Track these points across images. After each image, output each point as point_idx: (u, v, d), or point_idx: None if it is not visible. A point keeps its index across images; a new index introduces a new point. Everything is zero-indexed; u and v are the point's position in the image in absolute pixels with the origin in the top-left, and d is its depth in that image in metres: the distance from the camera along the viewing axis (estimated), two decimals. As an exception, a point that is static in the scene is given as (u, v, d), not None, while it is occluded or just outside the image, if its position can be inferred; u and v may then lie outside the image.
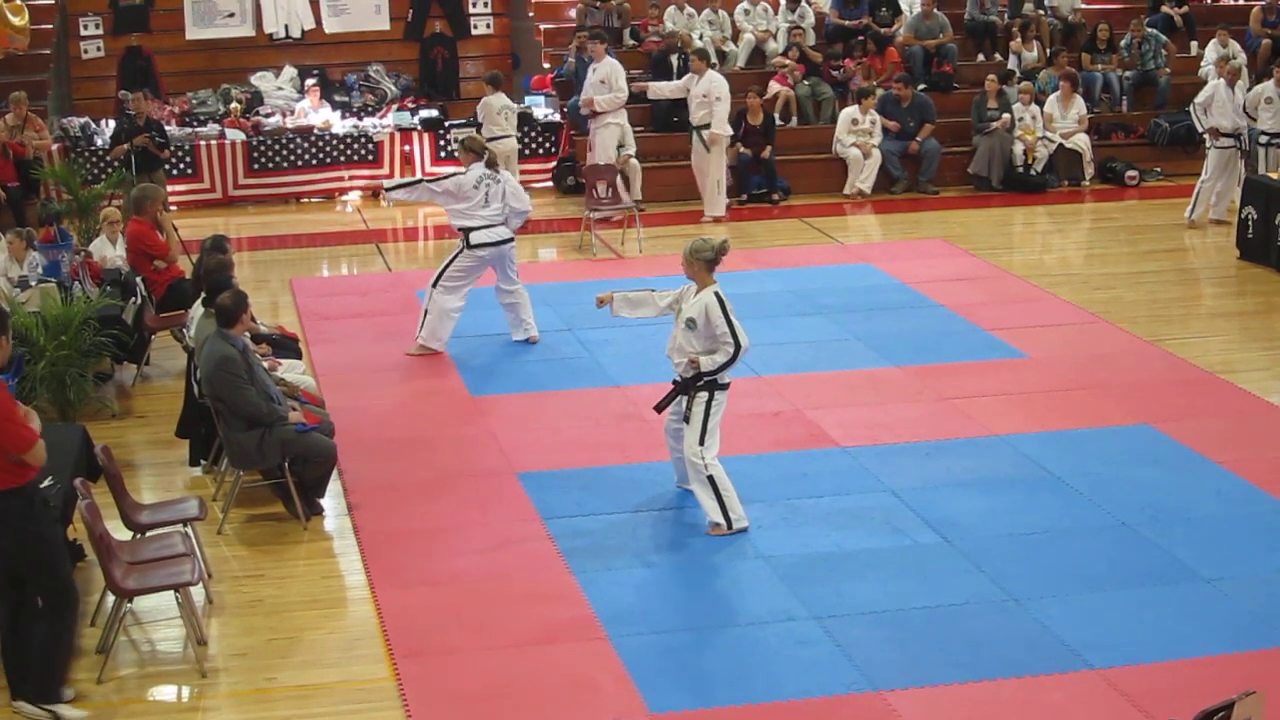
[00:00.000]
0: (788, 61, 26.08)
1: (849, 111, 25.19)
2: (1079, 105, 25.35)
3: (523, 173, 25.54)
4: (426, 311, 16.75)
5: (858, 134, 24.92)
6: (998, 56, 27.41)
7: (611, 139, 23.19)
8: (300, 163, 25.30)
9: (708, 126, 22.98)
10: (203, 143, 25.00)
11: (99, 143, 24.49)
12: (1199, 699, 8.14)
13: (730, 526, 12.10)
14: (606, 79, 23.14)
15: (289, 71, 26.94)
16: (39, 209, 20.39)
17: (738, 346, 11.95)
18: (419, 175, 22.27)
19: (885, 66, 26.36)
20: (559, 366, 16.43)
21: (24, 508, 9.50)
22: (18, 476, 9.43)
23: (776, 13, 27.39)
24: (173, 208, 22.23)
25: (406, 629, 10.80)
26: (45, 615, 9.68)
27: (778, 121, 25.18)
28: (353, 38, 27.41)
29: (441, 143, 25.34)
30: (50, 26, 26.16)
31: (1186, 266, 20.57)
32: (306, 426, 12.63)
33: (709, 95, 22.99)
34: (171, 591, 10.47)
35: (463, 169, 16.81)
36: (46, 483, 10.16)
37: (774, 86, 25.88)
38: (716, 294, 12.05)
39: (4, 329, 9.55)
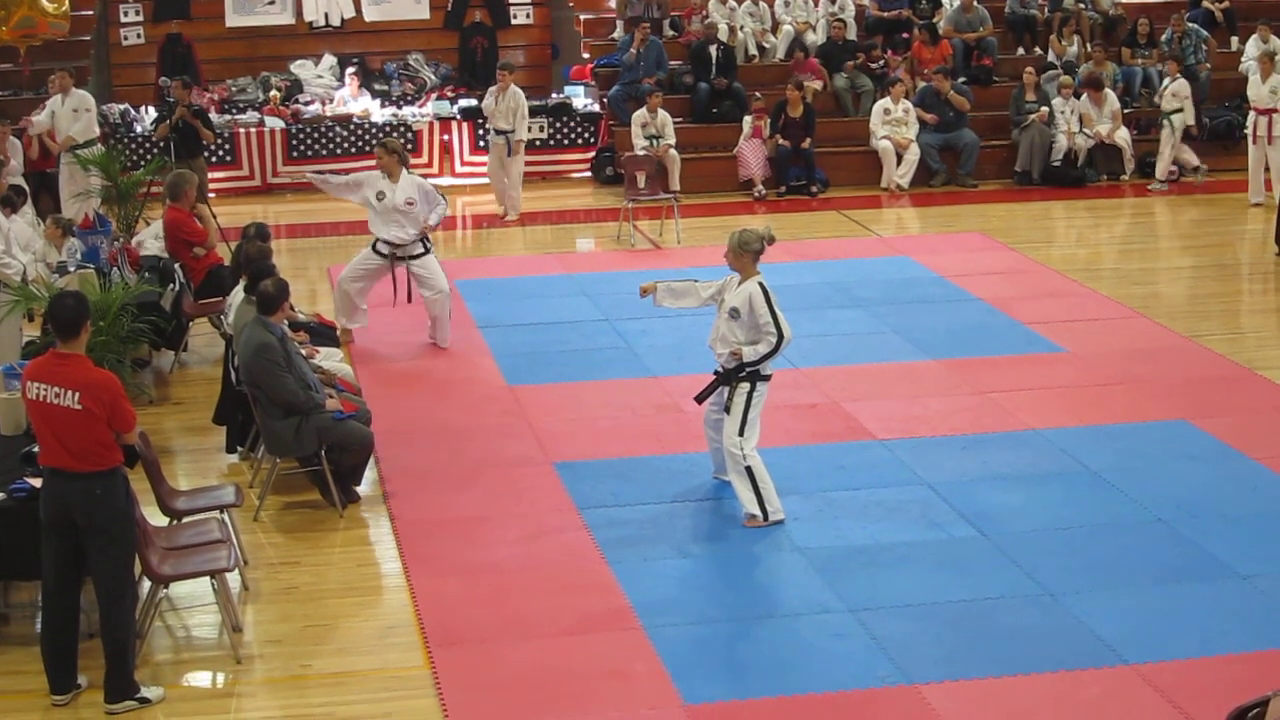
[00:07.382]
0: (810, 83, 25.87)
1: (882, 103, 25.16)
2: (1112, 101, 25.20)
3: (562, 162, 25.61)
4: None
5: (892, 124, 24.86)
6: (1038, 50, 27.32)
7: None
8: (339, 151, 25.37)
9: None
10: (242, 130, 25.14)
11: (139, 129, 24.59)
12: (1234, 695, 8.14)
13: (766, 518, 12.09)
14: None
15: (328, 60, 27.02)
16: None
17: (780, 337, 11.94)
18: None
19: (938, 57, 26.17)
20: (596, 356, 16.43)
21: (123, 485, 9.72)
22: (118, 456, 9.69)
23: (816, 5, 27.35)
24: (211, 194, 22.27)
25: (441, 617, 10.82)
26: (109, 605, 9.67)
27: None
28: (392, 26, 27.48)
29: (480, 131, 25.29)
30: (90, 13, 26.24)
31: (1225, 262, 20.46)
32: (343, 414, 12.65)
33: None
34: (207, 577, 10.51)
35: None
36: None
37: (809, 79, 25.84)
38: (761, 284, 12.05)
39: (87, 314, 9.72)
